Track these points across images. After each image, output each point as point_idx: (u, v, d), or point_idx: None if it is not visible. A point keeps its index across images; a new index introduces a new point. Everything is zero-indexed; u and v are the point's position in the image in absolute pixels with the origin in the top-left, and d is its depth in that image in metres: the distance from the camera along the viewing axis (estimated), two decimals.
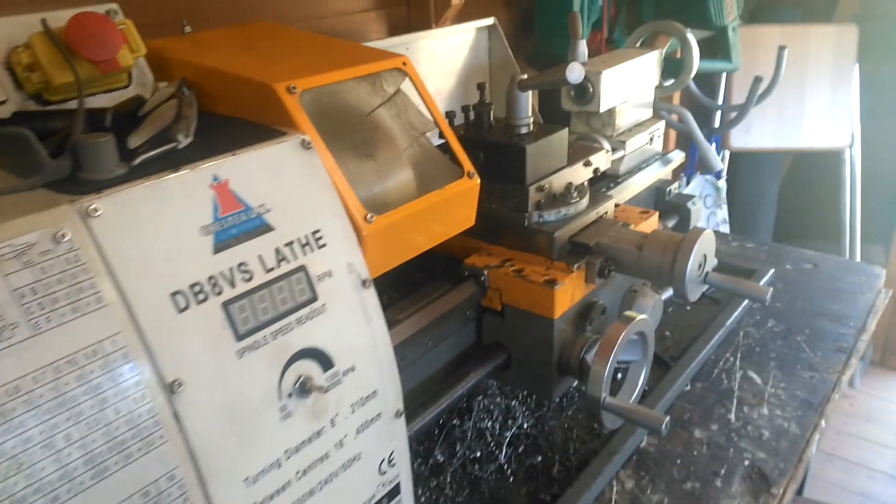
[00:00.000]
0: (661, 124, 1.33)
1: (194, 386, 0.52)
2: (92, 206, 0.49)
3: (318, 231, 0.62)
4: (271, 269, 0.58)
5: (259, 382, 0.56)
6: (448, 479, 0.96)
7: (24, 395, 0.44)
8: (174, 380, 0.51)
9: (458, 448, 0.99)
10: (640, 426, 0.86)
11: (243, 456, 0.55)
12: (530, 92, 0.90)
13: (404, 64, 0.76)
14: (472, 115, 0.96)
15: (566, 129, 0.94)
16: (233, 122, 0.67)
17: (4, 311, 0.44)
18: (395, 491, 0.70)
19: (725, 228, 2.30)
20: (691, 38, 1.33)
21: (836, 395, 1.13)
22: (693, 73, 1.35)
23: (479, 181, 0.78)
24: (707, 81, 2.55)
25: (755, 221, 2.82)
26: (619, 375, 0.98)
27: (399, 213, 0.69)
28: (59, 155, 0.53)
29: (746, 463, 0.99)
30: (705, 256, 0.88)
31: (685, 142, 2.30)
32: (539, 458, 0.99)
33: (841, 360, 1.20)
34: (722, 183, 2.25)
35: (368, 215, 0.66)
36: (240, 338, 0.55)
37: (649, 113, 1.33)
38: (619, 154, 1.16)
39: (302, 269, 0.60)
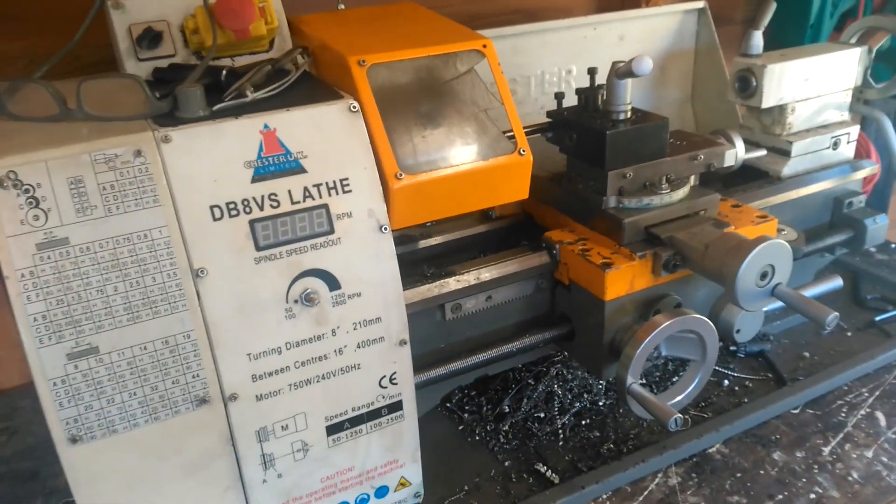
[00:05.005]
0: (854, 129, 1.20)
1: (215, 275, 0.71)
2: (167, 135, 0.70)
3: (346, 179, 0.76)
4: (297, 202, 0.74)
5: (270, 285, 0.73)
6: (507, 427, 1.05)
7: (91, 253, 0.67)
8: (200, 267, 0.70)
9: (524, 403, 1.08)
10: (653, 417, 0.86)
11: (248, 337, 0.73)
12: (629, 80, 0.92)
13: (484, 46, 0.86)
14: (583, 98, 1.01)
15: (666, 120, 0.94)
16: (319, 85, 0.84)
17: (90, 196, 0.67)
18: (396, 406, 0.83)
19: None
20: None
21: None
22: None
23: (530, 158, 0.84)
24: None
25: None
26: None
27: (431, 175, 0.80)
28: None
29: (812, 496, 0.92)
30: (773, 267, 0.84)
31: None
32: (596, 434, 1.04)
33: None
34: None
35: (399, 173, 0.78)
36: (259, 249, 0.73)
37: (841, 115, 1.21)
38: (758, 153, 1.10)
39: (324, 206, 0.75)
